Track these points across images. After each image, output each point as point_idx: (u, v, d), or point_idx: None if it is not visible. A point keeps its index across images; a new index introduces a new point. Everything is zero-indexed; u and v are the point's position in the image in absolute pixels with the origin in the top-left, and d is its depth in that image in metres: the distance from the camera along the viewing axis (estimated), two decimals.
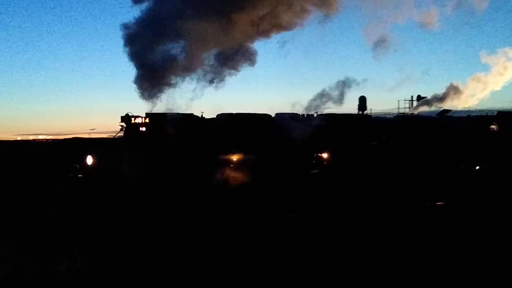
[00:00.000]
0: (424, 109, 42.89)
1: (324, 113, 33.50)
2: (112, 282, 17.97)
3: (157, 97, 27.13)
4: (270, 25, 28.67)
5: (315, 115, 32.89)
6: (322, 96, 32.22)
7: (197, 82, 28.03)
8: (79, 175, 25.86)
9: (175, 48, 27.37)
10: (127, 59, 27.14)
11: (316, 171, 31.03)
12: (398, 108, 41.93)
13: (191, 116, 28.24)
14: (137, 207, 24.83)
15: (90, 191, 25.14)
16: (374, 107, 40.41)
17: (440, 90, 45.11)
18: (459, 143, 35.61)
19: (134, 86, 27.13)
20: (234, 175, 27.86)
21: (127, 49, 26.74)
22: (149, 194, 25.17)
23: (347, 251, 22.10)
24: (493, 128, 38.03)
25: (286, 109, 32.78)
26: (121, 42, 27.20)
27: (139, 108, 29.37)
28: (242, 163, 28.61)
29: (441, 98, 43.16)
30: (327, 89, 32.06)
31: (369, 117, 34.43)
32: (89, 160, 25.86)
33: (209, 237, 24.39)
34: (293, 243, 23.65)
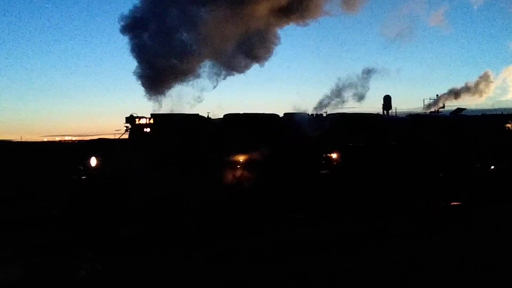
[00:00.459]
0: (449, 103, 41.88)
1: (334, 112, 32.81)
2: (113, 282, 17.99)
3: (164, 94, 26.94)
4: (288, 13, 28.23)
5: (324, 115, 32.27)
6: (340, 90, 31.69)
7: (210, 76, 27.71)
8: (82, 177, 25.61)
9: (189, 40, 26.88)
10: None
11: (325, 171, 30.21)
12: (424, 106, 41.31)
13: (196, 116, 27.86)
14: (141, 207, 24.89)
15: (93, 192, 25.17)
16: (399, 106, 40.10)
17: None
18: (471, 142, 34.72)
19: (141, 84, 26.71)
20: (239, 176, 27.97)
21: (134, 41, 26.38)
22: (152, 194, 25.20)
23: (356, 251, 22.16)
24: (508, 127, 37.10)
25: (299, 108, 32.35)
26: None
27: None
28: (248, 164, 28.50)
29: (471, 88, 42.21)
30: (347, 80, 31.51)
31: (379, 116, 33.83)
32: (93, 161, 25.69)
33: (212, 237, 24.46)
34: (298, 243, 23.65)
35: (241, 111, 30.66)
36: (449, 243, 23.22)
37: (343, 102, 32.34)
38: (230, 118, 29.62)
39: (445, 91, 44.25)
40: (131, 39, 27.02)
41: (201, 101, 28.58)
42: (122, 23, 27.25)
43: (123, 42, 27.50)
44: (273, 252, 22.20)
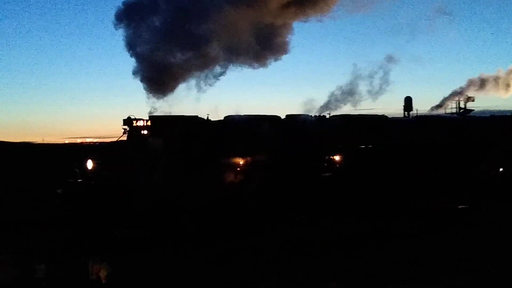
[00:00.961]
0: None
1: (338, 114, 32.41)
2: (115, 282, 17.49)
3: (172, 91, 26.62)
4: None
5: (327, 116, 31.79)
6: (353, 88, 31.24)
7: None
8: (78, 180, 25.20)
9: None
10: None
11: (327, 174, 29.66)
12: (445, 107, 40.61)
13: (195, 118, 27.48)
14: (140, 209, 24.58)
15: (90, 195, 24.77)
16: (420, 107, 39.56)
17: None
18: (479, 143, 34.10)
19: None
20: (239, 178, 27.66)
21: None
22: (151, 196, 24.91)
23: (357, 251, 21.86)
24: None
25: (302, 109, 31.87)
26: None
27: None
28: (248, 166, 28.26)
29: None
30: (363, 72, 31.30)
31: (384, 118, 33.25)
32: (89, 164, 25.27)
33: (212, 238, 24.22)
34: (299, 244, 23.38)
35: (242, 112, 30.40)
36: (449, 243, 23.03)
37: (357, 101, 31.65)
38: (231, 120, 28.78)
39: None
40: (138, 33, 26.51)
41: (200, 101, 27.92)
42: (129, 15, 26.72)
43: None
44: (274, 252, 21.97)
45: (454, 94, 42.07)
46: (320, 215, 28.12)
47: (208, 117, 28.93)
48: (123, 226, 24.82)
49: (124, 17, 26.54)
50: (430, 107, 42.12)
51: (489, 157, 34.68)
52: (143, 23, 26.51)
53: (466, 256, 20.38)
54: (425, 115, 38.52)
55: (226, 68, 28.65)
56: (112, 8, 27.85)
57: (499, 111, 41.17)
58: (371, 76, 31.86)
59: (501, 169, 35.33)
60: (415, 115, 39.63)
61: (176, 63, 27.19)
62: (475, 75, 44.72)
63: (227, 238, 24.34)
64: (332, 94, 32.21)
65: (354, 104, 32.28)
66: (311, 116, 32.10)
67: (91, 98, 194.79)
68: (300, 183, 28.99)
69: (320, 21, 30.02)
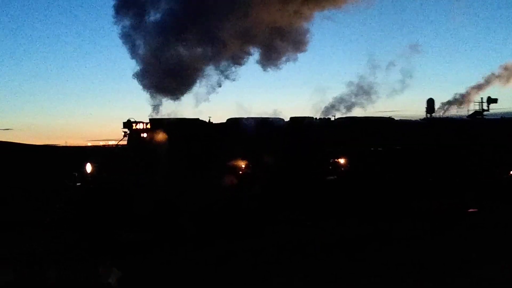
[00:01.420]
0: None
1: (343, 116, 32.01)
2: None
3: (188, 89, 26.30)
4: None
5: (332, 118, 31.35)
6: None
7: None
8: (77, 183, 24.91)
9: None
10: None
11: (332, 177, 29.15)
12: (468, 110, 39.80)
13: (196, 121, 27.24)
14: (142, 212, 24.53)
15: (89, 199, 24.80)
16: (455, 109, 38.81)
17: None
18: (488, 146, 33.41)
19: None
20: (240, 180, 27.55)
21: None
22: (152, 198, 24.84)
23: (359, 252, 21.72)
24: None
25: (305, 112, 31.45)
26: None
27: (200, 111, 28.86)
28: (250, 169, 28.20)
29: None
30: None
31: (390, 120, 32.69)
32: (88, 167, 24.98)
33: (212, 239, 24.20)
34: (300, 245, 23.24)
35: (250, 115, 29.97)
36: (453, 244, 22.85)
37: (373, 102, 31.22)
38: (233, 122, 28.47)
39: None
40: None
41: (208, 102, 27.61)
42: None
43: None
44: (274, 253, 21.88)
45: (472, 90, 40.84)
46: (324, 218, 27.92)
47: (209, 119, 28.71)
48: (123, 229, 24.62)
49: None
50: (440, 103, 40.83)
51: (498, 159, 33.70)
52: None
53: (470, 257, 20.20)
54: (432, 117, 37.67)
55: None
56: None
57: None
58: (387, 74, 31.40)
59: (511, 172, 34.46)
60: (436, 117, 38.84)
61: (187, 59, 26.90)
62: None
63: (227, 240, 24.27)
64: (343, 96, 31.77)
65: (368, 105, 31.86)
66: (316, 118, 31.52)
67: (113, 101, 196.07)
68: (303, 186, 28.66)
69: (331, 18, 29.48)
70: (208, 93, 27.59)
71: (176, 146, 26.52)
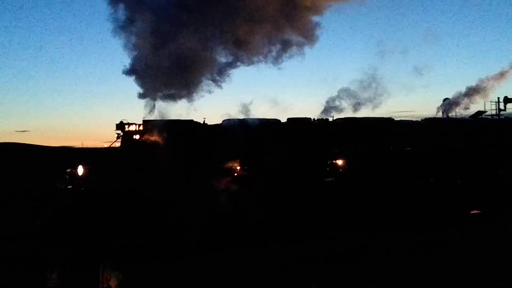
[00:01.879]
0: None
1: (341, 117, 31.39)
2: None
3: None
4: None
5: (330, 119, 30.77)
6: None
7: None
8: (68, 186, 24.48)
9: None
10: None
11: (330, 179, 28.54)
12: (484, 110, 38.93)
13: (190, 122, 26.66)
14: (135, 216, 24.25)
15: (80, 202, 24.35)
16: (458, 109, 38.10)
17: None
18: (493, 146, 32.60)
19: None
20: (235, 183, 26.82)
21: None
22: (146, 202, 24.65)
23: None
24: None
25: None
26: None
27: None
28: (245, 171, 27.11)
29: None
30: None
31: (391, 121, 32.00)
32: (80, 170, 24.52)
33: (205, 248, 23.67)
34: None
35: (254, 116, 29.65)
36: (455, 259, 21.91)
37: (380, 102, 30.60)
38: (228, 124, 27.92)
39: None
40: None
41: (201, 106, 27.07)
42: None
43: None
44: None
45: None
46: (323, 221, 27.47)
47: (204, 120, 28.24)
48: (115, 234, 24.05)
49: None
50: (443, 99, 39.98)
51: (501, 160, 33.05)
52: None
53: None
54: (434, 118, 36.90)
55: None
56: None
57: None
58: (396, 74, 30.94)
59: None
60: (456, 117, 38.10)
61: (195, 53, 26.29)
62: None
63: (222, 248, 24.01)
64: (352, 95, 31.35)
65: (380, 105, 31.40)
66: (314, 119, 30.91)
67: (130, 102, 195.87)
68: (300, 188, 28.20)
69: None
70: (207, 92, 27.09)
71: (170, 147, 25.94)
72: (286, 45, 28.42)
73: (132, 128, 26.67)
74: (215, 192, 25.84)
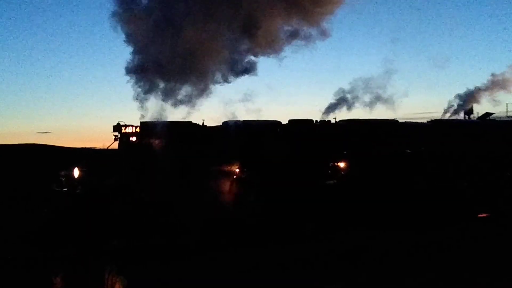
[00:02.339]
0: None
1: (344, 119, 30.95)
2: None
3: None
4: None
5: (333, 121, 30.35)
6: None
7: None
8: (64, 189, 24.02)
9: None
10: None
11: (331, 181, 27.83)
12: (507, 111, 38.08)
13: (188, 124, 26.29)
14: (130, 218, 23.91)
15: (76, 205, 24.13)
16: (482, 110, 37.29)
17: None
18: (501, 148, 31.64)
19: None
20: (236, 186, 26.58)
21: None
22: (142, 205, 24.39)
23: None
24: None
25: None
26: None
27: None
28: (246, 173, 26.86)
29: None
30: None
31: (395, 122, 31.15)
32: (76, 172, 24.04)
33: (205, 248, 23.55)
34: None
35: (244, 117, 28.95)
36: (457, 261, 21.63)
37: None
38: (228, 125, 27.36)
39: None
40: None
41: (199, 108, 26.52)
42: None
43: None
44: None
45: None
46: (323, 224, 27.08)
47: (203, 122, 27.84)
48: (111, 236, 23.88)
49: None
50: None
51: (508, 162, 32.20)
52: None
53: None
54: (440, 119, 35.96)
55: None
56: None
57: None
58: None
59: None
60: (443, 119, 37.19)
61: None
62: None
63: (222, 248, 23.77)
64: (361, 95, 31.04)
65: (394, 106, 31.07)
66: (316, 121, 30.28)
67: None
68: (301, 191, 27.55)
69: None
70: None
71: (168, 149, 25.72)
72: (297, 37, 28.05)
73: (129, 130, 26.06)
74: (214, 194, 25.40)
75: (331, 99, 31.85)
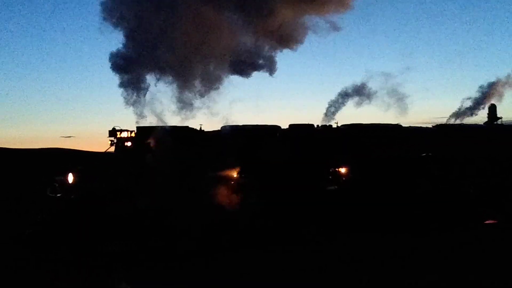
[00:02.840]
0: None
1: (347, 123, 30.51)
2: None
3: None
4: None
5: (334, 126, 29.58)
6: None
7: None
8: (58, 195, 23.43)
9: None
10: None
11: (332, 187, 26.98)
12: None
13: (185, 128, 25.69)
14: (127, 223, 23.46)
15: (70, 211, 23.82)
16: (508, 115, 36.20)
17: None
18: (507, 153, 30.51)
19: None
20: (233, 191, 25.70)
21: None
22: (138, 210, 23.83)
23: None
24: None
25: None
26: None
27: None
28: (244, 179, 26.55)
29: None
30: None
31: (399, 127, 30.06)
32: (70, 178, 23.44)
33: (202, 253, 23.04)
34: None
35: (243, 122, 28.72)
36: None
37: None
38: (226, 130, 26.70)
39: None
40: None
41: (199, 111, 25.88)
42: None
43: None
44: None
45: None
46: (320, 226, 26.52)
47: (201, 127, 27.43)
48: (107, 241, 23.36)
49: None
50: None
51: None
52: None
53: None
54: (445, 124, 34.78)
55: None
56: None
57: None
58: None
59: None
60: (449, 124, 36.00)
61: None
62: None
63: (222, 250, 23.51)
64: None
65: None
66: (317, 125, 29.68)
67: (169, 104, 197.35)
68: (301, 197, 26.91)
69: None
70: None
71: (163, 155, 24.97)
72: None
73: (124, 134, 25.44)
74: (212, 200, 24.68)
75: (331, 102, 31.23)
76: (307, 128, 29.55)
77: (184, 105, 25.48)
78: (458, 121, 36.64)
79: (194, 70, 25.49)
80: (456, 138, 32.20)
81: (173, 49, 24.40)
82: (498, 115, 36.44)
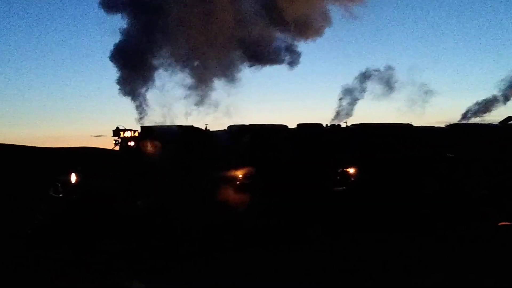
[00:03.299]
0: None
1: (357, 123, 30.09)
2: None
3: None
4: None
5: (343, 125, 29.09)
6: None
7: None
8: (60, 195, 22.91)
9: None
10: None
11: (341, 188, 26.14)
12: None
13: (190, 128, 25.58)
14: (129, 223, 22.92)
15: (72, 212, 23.23)
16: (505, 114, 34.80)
17: None
18: None
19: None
20: (239, 192, 24.84)
21: None
22: (143, 210, 23.41)
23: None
24: None
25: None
26: None
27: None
28: (251, 179, 25.68)
29: None
30: None
31: (410, 126, 29.03)
32: (73, 177, 22.96)
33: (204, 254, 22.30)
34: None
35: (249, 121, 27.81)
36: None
37: None
38: (232, 130, 26.34)
39: None
40: None
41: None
42: None
43: None
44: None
45: None
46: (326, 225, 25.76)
47: (206, 127, 27.13)
48: (108, 240, 22.75)
49: None
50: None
51: None
52: None
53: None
54: (458, 123, 33.42)
55: None
56: None
57: None
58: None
59: None
60: (461, 123, 34.69)
61: None
62: None
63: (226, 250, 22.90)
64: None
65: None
66: (326, 125, 29.14)
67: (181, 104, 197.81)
68: (308, 197, 26.20)
69: None
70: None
71: (167, 155, 24.43)
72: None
73: (128, 134, 24.88)
74: (218, 199, 24.07)
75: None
76: (316, 127, 28.81)
77: (193, 102, 25.20)
78: (472, 121, 35.45)
79: (206, 65, 24.99)
80: (470, 138, 31.13)
81: (183, 42, 23.94)
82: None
